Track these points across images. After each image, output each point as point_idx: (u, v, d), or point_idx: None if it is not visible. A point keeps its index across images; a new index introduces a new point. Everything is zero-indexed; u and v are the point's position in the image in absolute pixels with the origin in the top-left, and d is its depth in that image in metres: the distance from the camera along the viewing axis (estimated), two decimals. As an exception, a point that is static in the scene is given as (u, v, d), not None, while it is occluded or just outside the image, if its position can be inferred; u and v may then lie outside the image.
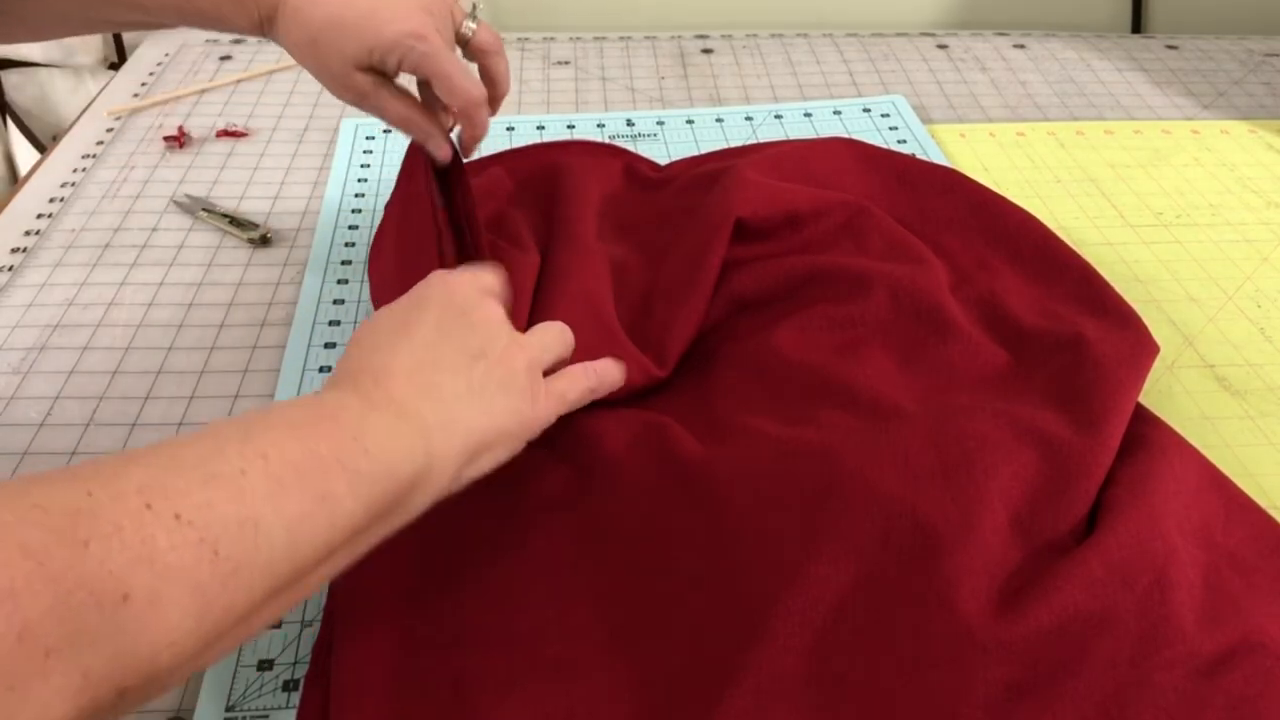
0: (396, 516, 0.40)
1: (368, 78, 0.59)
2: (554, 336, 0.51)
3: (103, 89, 0.97)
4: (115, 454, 0.34)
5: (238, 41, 1.04)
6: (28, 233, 0.75)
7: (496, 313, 0.48)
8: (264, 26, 0.58)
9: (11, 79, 1.09)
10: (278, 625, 0.48)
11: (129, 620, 0.30)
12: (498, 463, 0.45)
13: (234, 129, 0.88)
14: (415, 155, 0.64)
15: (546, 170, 0.74)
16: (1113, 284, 0.62)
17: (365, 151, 0.85)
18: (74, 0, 0.55)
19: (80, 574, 0.29)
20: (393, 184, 0.67)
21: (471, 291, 0.48)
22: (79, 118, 0.92)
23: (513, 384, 0.46)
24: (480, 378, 0.45)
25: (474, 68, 0.64)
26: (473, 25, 0.63)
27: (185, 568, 0.32)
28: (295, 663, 0.47)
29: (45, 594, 0.28)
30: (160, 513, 0.32)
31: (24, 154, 1.09)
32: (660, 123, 0.89)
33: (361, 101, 0.61)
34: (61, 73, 1.09)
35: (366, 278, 0.69)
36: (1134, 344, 0.57)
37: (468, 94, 0.59)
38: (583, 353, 0.54)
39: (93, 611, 0.29)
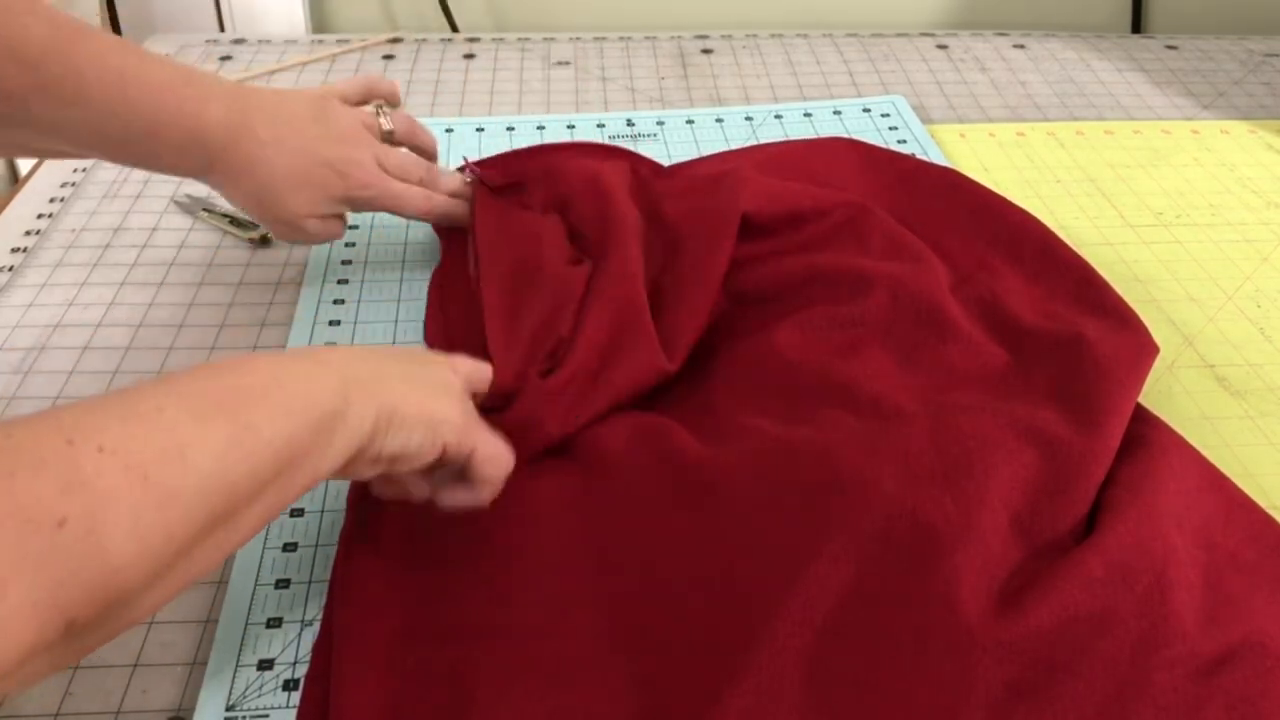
0: (317, 459, 0.40)
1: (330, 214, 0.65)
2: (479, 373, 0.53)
3: (103, 89, 0.97)
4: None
5: (238, 41, 1.04)
6: (28, 233, 0.75)
7: (450, 364, 0.50)
8: (207, 173, 0.62)
9: (11, 79, 1.08)
10: (277, 626, 0.48)
11: (69, 544, 0.31)
12: (410, 450, 0.44)
13: (234, 129, 0.88)
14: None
15: (583, 179, 0.72)
16: (1113, 284, 0.62)
17: (365, 151, 0.85)
18: (26, 134, 0.57)
19: (11, 504, 0.30)
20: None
21: (438, 358, 0.50)
22: (79, 118, 0.92)
23: (451, 391, 0.47)
24: (419, 374, 0.46)
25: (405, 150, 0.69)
26: (387, 125, 0.67)
27: (117, 491, 0.32)
28: (295, 663, 0.47)
29: None
30: (82, 446, 0.32)
31: (24, 154, 1.09)
32: (660, 123, 0.89)
33: (327, 228, 0.65)
34: (61, 73, 1.09)
35: (428, 297, 0.70)
36: (1134, 344, 0.57)
37: (418, 207, 0.67)
38: (619, 349, 0.57)
39: (31, 538, 0.30)
